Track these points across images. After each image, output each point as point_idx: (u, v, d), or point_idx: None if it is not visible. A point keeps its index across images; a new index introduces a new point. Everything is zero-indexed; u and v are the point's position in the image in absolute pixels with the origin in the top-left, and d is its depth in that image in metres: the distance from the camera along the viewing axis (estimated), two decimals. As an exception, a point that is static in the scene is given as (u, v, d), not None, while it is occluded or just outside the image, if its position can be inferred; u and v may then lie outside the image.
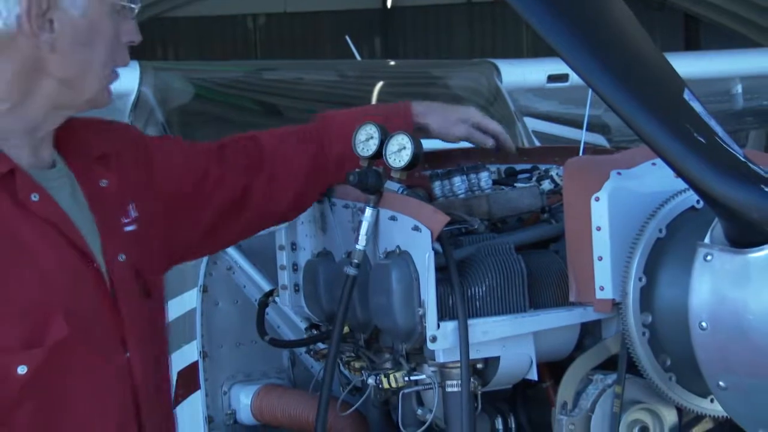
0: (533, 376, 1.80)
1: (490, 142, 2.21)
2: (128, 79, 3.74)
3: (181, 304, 2.99)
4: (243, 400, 2.67)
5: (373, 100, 4.34)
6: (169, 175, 1.80)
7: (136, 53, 5.47)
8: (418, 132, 2.10)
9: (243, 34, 17.68)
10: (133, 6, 1.52)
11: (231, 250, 2.76)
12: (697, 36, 16.93)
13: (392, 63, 5.00)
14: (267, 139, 2.00)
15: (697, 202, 1.72)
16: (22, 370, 1.35)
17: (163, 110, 3.76)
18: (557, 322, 1.82)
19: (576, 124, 4.63)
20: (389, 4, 17.74)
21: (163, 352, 1.74)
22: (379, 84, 4.41)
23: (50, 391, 1.40)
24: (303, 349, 2.74)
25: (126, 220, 1.63)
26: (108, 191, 1.59)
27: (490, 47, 15.89)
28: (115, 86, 4.01)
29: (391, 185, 1.96)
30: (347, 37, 5.59)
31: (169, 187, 1.80)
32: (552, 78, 4.37)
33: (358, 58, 5.43)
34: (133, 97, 3.76)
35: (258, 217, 2.03)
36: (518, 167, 2.45)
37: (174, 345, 3.06)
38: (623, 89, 1.35)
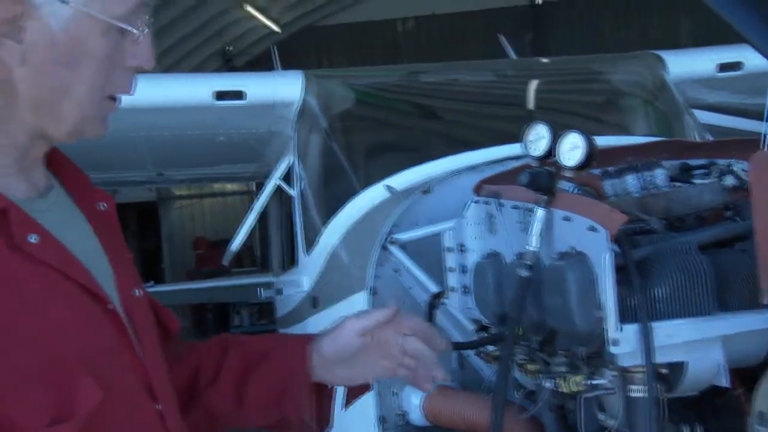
0: (724, 382, 1.71)
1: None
2: (293, 89, 3.87)
3: (350, 305, 3.06)
4: (413, 401, 2.68)
5: (530, 99, 4.27)
6: None
7: (290, 63, 5.64)
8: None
9: (392, 37, 17.90)
10: (136, 31, 1.23)
11: (397, 252, 2.80)
12: None
13: (549, 60, 4.89)
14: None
15: None
16: None
17: (326, 117, 3.85)
18: (748, 325, 1.72)
19: (750, 114, 4.36)
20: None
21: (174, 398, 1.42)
22: (536, 82, 4.33)
23: None
24: (471, 351, 2.74)
25: (128, 254, 1.41)
26: (108, 215, 1.38)
27: (644, 39, 15.27)
28: (280, 95, 4.17)
29: (563, 185, 1.92)
30: (501, 36, 5.54)
31: None
32: (723, 67, 4.14)
33: (513, 56, 5.37)
34: (297, 105, 3.87)
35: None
36: (693, 162, 2.34)
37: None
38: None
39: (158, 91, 3.74)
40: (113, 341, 1.23)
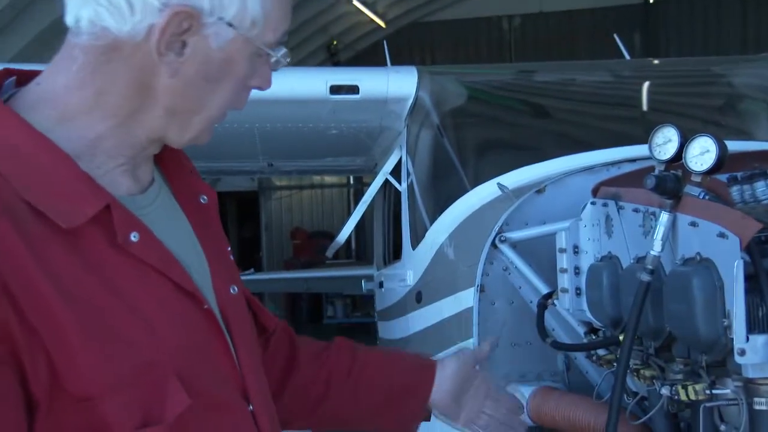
0: None
1: None
2: (407, 84, 3.90)
3: (456, 302, 3.07)
4: (519, 401, 2.68)
5: (644, 101, 4.18)
6: None
7: (395, 59, 5.66)
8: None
9: (497, 35, 17.78)
10: (281, 60, 1.27)
11: (508, 251, 2.79)
12: None
13: (667, 61, 4.77)
14: (302, 358, 1.66)
15: None
16: None
17: (438, 113, 3.87)
18: None
19: None
20: (651, -2, 16.97)
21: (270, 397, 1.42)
22: (653, 84, 4.24)
23: None
24: (579, 353, 2.71)
25: (228, 248, 1.40)
26: (209, 210, 1.37)
27: (767, 40, 14.65)
28: (393, 91, 4.20)
29: (690, 190, 1.89)
30: (615, 36, 5.44)
31: None
32: None
33: (627, 56, 5.26)
34: (411, 101, 3.90)
35: None
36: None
37: (448, 342, 3.16)
38: None
39: (275, 84, 3.81)
40: (207, 342, 1.23)
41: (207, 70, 1.20)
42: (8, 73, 1.21)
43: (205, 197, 1.37)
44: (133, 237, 1.16)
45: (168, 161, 1.35)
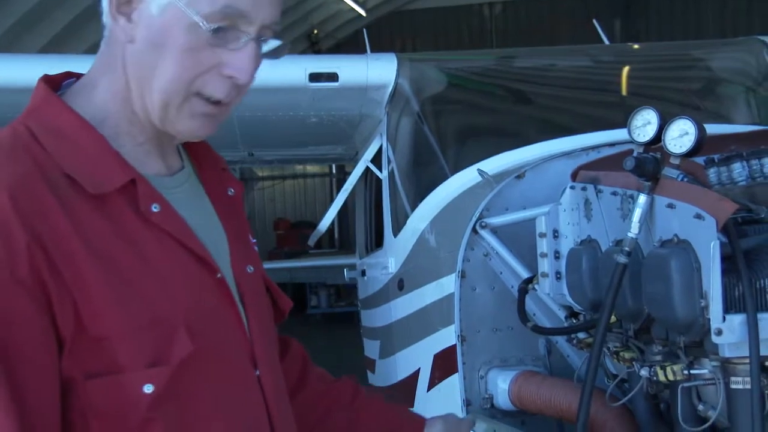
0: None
1: None
2: (386, 72, 3.88)
3: (438, 288, 3.08)
4: (500, 385, 2.69)
5: (623, 86, 4.19)
6: None
7: (375, 48, 5.56)
8: None
9: (479, 22, 17.77)
10: (204, 26, 1.26)
11: (489, 237, 2.80)
12: None
13: (647, 45, 4.77)
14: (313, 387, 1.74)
15: None
16: (148, 389, 1.25)
17: (418, 100, 3.85)
18: None
19: None
20: (632, -16, 17.00)
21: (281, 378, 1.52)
22: (632, 68, 4.25)
23: (178, 409, 1.29)
24: (560, 337, 2.72)
25: (253, 240, 1.54)
26: (235, 201, 1.50)
27: (745, 27, 14.73)
28: (373, 78, 4.16)
29: (669, 172, 1.90)
30: (595, 21, 5.44)
31: None
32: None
33: (606, 41, 5.27)
34: (390, 88, 3.88)
35: None
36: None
37: (430, 328, 3.16)
38: None
39: (253, 72, 3.78)
40: (218, 308, 1.35)
41: (151, 36, 1.29)
42: (69, 75, 1.40)
43: (233, 190, 1.50)
44: (155, 207, 1.31)
45: (202, 157, 1.48)
